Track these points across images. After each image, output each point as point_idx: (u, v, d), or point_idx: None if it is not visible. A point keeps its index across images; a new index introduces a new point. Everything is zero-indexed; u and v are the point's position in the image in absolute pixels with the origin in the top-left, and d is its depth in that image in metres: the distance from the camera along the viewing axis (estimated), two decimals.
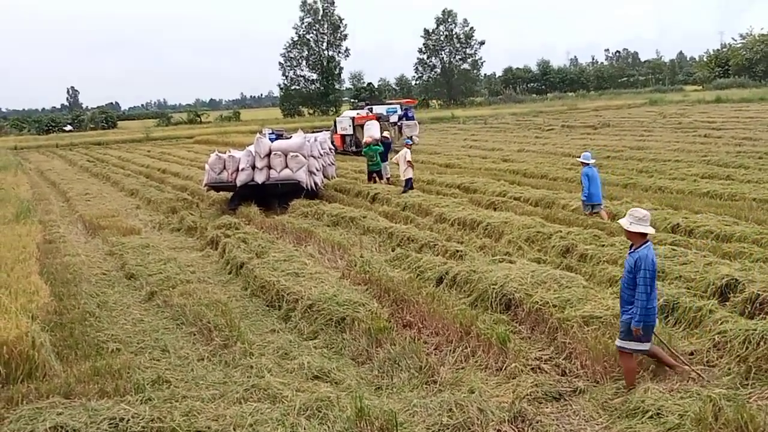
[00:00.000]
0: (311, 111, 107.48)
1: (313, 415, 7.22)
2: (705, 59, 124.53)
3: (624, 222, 7.78)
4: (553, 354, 8.99)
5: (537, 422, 7.07)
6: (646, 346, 7.74)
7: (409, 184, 22.71)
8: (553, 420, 7.25)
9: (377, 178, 25.34)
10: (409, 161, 22.69)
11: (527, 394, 7.86)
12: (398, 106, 45.82)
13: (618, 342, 7.81)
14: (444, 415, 7.14)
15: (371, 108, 44.14)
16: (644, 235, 7.72)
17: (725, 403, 6.66)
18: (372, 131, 31.24)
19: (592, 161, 16.74)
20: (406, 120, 43.92)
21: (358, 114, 42.12)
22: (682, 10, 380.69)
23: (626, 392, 7.60)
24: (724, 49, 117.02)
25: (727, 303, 9.87)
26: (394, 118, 43.12)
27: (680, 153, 28.79)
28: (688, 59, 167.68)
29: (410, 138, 31.74)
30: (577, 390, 7.99)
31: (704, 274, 10.84)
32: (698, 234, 14.34)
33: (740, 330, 8.39)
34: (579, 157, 17.39)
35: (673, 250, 12.45)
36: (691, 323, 9.37)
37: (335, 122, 42.87)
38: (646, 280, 7.45)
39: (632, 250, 7.74)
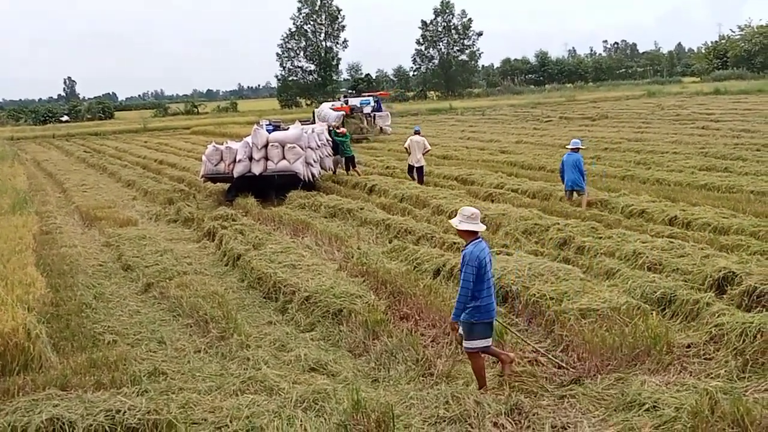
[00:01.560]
0: (309, 102, 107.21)
1: (309, 407, 7.22)
2: (703, 51, 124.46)
3: (454, 221, 7.86)
4: (550, 346, 9.01)
5: (533, 415, 7.06)
6: (488, 342, 7.88)
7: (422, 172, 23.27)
8: (550, 413, 7.24)
9: (351, 166, 25.81)
10: (428, 150, 23.48)
11: (524, 387, 7.87)
12: (371, 98, 48.17)
13: (465, 344, 7.89)
14: (441, 408, 7.13)
15: (347, 100, 46.52)
16: (474, 232, 7.79)
17: (722, 396, 6.67)
18: (330, 117, 32.31)
19: (570, 147, 17.42)
20: (378, 111, 46.44)
21: (333, 105, 43.97)
22: (681, 2, 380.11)
23: (481, 391, 7.65)
24: (722, 41, 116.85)
25: (724, 296, 9.90)
26: (367, 109, 45.37)
27: (678, 145, 28.78)
28: (686, 51, 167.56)
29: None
30: (574, 383, 7.99)
31: (701, 266, 10.86)
32: (696, 226, 14.35)
33: (737, 323, 8.40)
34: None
35: (671, 242, 12.47)
36: (688, 316, 9.39)
37: (314, 113, 43.94)
38: (468, 276, 7.55)
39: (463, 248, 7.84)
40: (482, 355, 7.94)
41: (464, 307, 7.62)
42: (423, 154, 23.03)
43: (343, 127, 27.14)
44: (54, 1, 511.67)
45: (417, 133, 23.22)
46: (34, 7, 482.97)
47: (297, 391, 7.48)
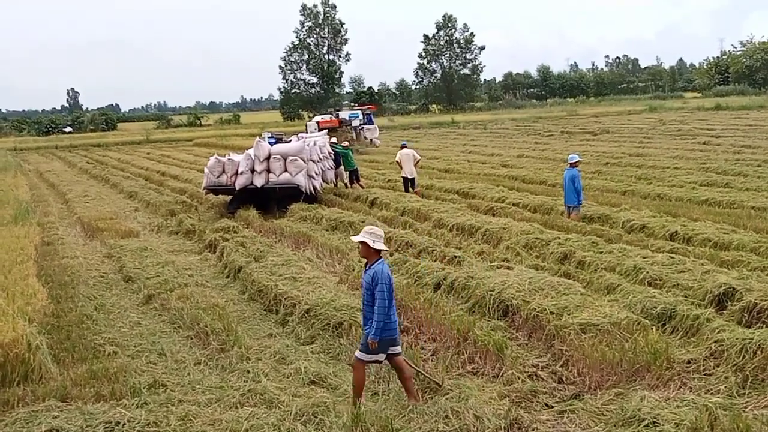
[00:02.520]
0: (311, 115, 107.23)
1: (309, 420, 7.22)
2: (705, 66, 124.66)
3: (368, 240, 7.74)
4: (550, 361, 9.00)
5: (533, 430, 7.07)
6: (381, 357, 7.87)
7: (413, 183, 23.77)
8: (549, 428, 7.25)
9: (355, 179, 26.10)
10: (418, 160, 24.13)
11: (523, 402, 7.87)
12: (360, 112, 49.78)
13: (357, 354, 7.88)
14: (440, 422, 7.14)
15: (338, 114, 48.38)
16: (379, 251, 7.80)
17: (721, 413, 6.67)
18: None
19: (569, 162, 17.39)
20: (367, 124, 48.32)
21: (322, 118, 46.19)
22: (683, 17, 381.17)
23: (355, 406, 7.55)
24: (724, 57, 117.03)
25: (724, 311, 9.89)
26: (356, 123, 47.00)
27: (679, 160, 28.83)
28: (687, 66, 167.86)
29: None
30: (574, 398, 7.98)
31: (702, 282, 10.86)
32: (696, 242, 14.35)
33: (737, 339, 8.40)
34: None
35: (671, 257, 12.48)
36: (689, 331, 9.39)
37: (306, 126, 45.80)
38: (384, 294, 7.54)
39: (368, 267, 7.82)
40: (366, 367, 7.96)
41: (384, 324, 7.60)
42: (414, 165, 23.54)
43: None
44: (57, 12, 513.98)
45: (404, 147, 23.84)
46: (37, 18, 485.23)
47: (297, 404, 7.48)
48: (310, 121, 49.06)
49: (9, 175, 35.98)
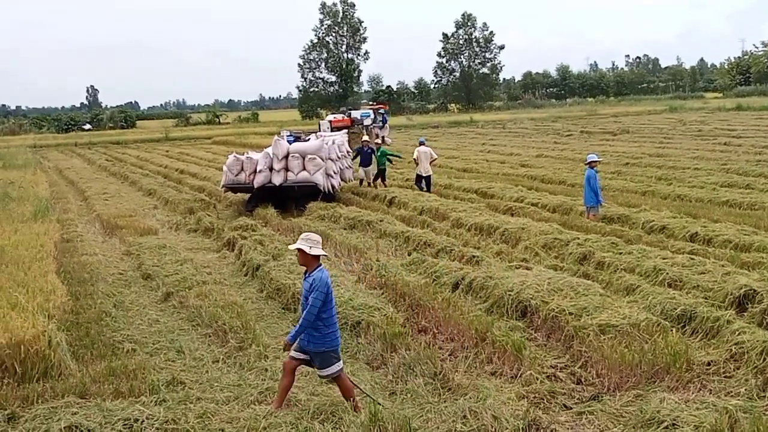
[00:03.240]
0: (329, 113, 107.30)
1: (327, 419, 7.24)
2: (726, 66, 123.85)
3: (304, 247, 7.54)
4: (569, 362, 8.96)
5: (551, 431, 7.03)
6: (341, 365, 7.74)
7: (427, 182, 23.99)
8: (568, 429, 7.22)
9: (380, 178, 26.06)
10: (434, 159, 24.48)
11: (542, 403, 7.84)
12: (371, 111, 49.99)
13: (322, 373, 7.74)
14: (458, 422, 7.11)
15: (350, 113, 48.50)
16: (318, 258, 7.64)
17: (741, 415, 6.63)
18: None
19: (589, 162, 17.39)
20: (384, 122, 48.74)
21: (335, 117, 46.28)
22: (704, 17, 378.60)
23: (355, 413, 7.41)
24: (745, 57, 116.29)
25: (745, 314, 9.82)
26: (367, 122, 46.95)
27: (700, 161, 28.63)
28: (708, 66, 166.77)
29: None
30: (592, 399, 7.94)
31: (722, 283, 10.77)
32: (717, 243, 14.26)
33: (758, 341, 8.35)
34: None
35: (692, 259, 12.40)
36: (708, 333, 9.32)
37: (319, 125, 45.62)
38: (317, 302, 7.39)
39: (307, 275, 7.65)
40: (343, 376, 7.82)
41: (304, 331, 7.48)
42: (430, 163, 23.80)
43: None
44: (77, 10, 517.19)
45: (422, 144, 24.05)
46: (57, 18, 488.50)
47: (314, 403, 7.52)
48: (322, 120, 49.43)
49: (29, 172, 36.15)
